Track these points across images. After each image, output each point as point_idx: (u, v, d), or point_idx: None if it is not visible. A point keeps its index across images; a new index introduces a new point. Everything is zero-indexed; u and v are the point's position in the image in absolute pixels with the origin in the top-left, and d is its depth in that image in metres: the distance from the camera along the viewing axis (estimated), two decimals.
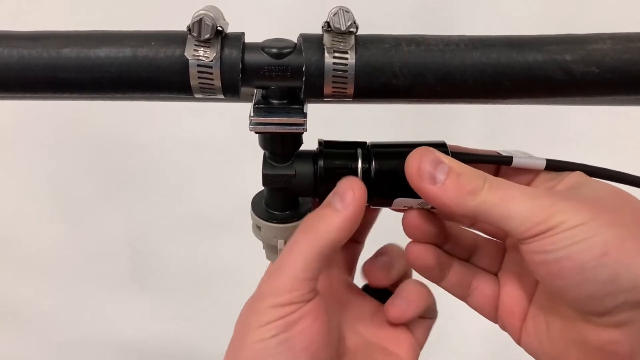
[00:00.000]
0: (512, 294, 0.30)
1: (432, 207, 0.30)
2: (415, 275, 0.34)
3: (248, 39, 0.26)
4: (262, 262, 0.34)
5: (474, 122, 0.68)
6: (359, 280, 0.36)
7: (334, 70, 0.25)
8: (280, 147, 0.29)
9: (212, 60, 0.25)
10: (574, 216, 0.24)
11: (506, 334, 0.31)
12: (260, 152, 0.30)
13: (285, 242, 0.31)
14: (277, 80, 0.26)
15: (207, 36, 0.24)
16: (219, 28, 0.25)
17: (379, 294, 0.35)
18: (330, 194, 0.28)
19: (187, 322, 0.84)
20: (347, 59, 0.25)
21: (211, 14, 0.24)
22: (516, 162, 0.29)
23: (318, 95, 0.27)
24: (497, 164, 0.30)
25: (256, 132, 0.28)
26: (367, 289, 0.35)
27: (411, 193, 0.28)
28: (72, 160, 0.76)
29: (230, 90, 0.26)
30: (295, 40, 0.27)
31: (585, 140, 0.67)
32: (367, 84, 0.26)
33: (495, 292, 0.31)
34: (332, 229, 0.27)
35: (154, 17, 0.60)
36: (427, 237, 0.30)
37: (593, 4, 0.62)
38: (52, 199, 0.79)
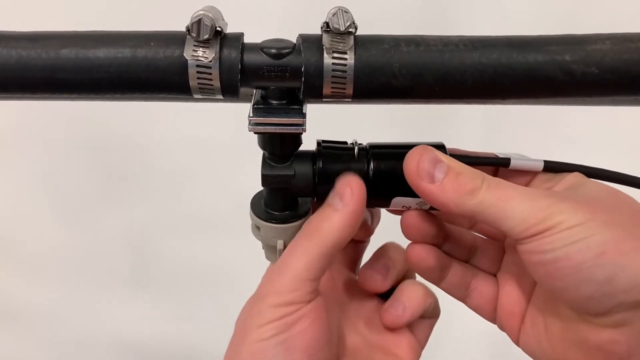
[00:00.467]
0: (510, 294, 0.30)
1: (431, 208, 0.30)
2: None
3: (247, 40, 0.26)
4: (261, 263, 0.34)
5: (473, 123, 0.68)
6: None
7: (333, 70, 0.25)
8: (279, 148, 0.29)
9: (211, 61, 0.25)
10: (572, 216, 0.24)
11: (504, 335, 0.31)
12: (259, 153, 0.30)
13: (284, 243, 0.31)
14: (276, 80, 0.26)
15: (206, 36, 0.24)
16: (218, 28, 0.25)
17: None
18: (330, 194, 0.28)
19: (187, 322, 0.84)
20: (346, 59, 0.25)
21: (210, 15, 0.24)
22: (514, 163, 0.29)
23: (317, 96, 0.27)
24: (495, 166, 0.30)
25: (255, 133, 0.28)
26: None
27: (409, 192, 0.28)
28: (72, 160, 0.76)
29: (230, 91, 0.26)
30: (294, 40, 0.27)
31: (584, 141, 0.67)
32: (366, 84, 0.26)
33: (494, 293, 0.31)
34: (333, 228, 0.27)
35: (153, 17, 0.60)
36: (425, 238, 0.30)
37: (593, 4, 0.62)
38: (52, 199, 0.79)
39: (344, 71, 0.25)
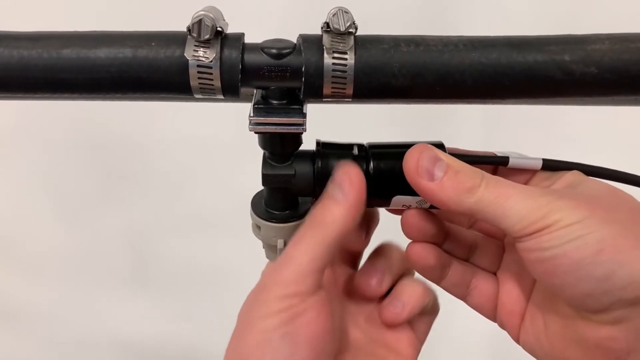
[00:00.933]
0: (510, 292, 0.31)
1: (431, 207, 0.30)
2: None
3: (248, 40, 0.27)
4: (261, 262, 0.34)
5: (473, 123, 0.68)
6: None
7: (333, 70, 0.25)
8: (279, 147, 0.29)
9: (211, 61, 0.25)
10: (570, 214, 0.24)
11: (505, 333, 0.31)
12: (259, 152, 0.30)
13: (285, 242, 0.31)
14: (276, 80, 0.26)
15: (206, 37, 0.25)
16: (219, 28, 0.25)
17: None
18: (330, 185, 0.28)
19: (187, 321, 0.84)
20: (346, 59, 0.25)
21: (211, 15, 0.24)
22: (513, 162, 0.29)
23: (317, 96, 0.27)
24: (494, 165, 0.30)
25: (256, 132, 0.28)
26: None
27: (409, 191, 0.28)
28: (72, 159, 0.76)
29: (230, 91, 0.26)
30: (294, 40, 0.27)
31: (584, 140, 0.68)
32: (366, 84, 0.26)
33: (494, 291, 0.31)
34: (336, 219, 0.27)
35: (154, 17, 0.60)
36: (425, 236, 0.30)
37: (593, 4, 0.62)
38: (52, 199, 0.80)
39: (344, 71, 0.26)
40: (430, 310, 0.34)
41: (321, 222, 0.27)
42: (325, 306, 0.27)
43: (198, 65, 0.25)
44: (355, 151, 0.30)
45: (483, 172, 0.27)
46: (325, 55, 0.25)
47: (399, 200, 0.29)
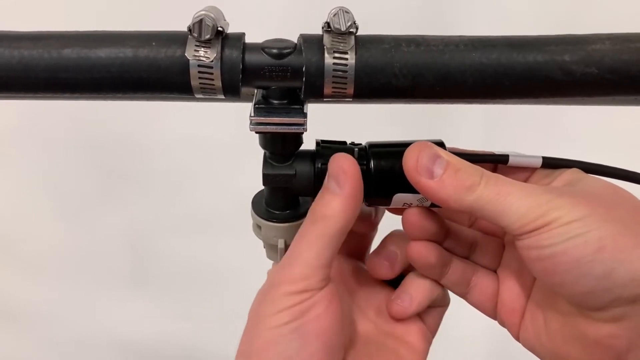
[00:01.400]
0: (511, 290, 0.31)
1: (432, 205, 0.30)
2: None
3: (248, 39, 0.27)
4: (261, 262, 0.34)
5: (473, 122, 0.68)
6: None
7: (334, 70, 0.26)
8: (280, 147, 0.29)
9: (212, 61, 0.25)
10: (570, 212, 0.24)
11: (505, 330, 0.31)
12: (259, 152, 0.30)
13: (285, 242, 0.31)
14: (277, 80, 0.26)
15: (207, 36, 0.25)
16: (220, 28, 0.25)
17: (392, 279, 0.34)
18: (326, 179, 0.28)
19: (187, 321, 0.84)
20: (347, 59, 0.25)
21: (212, 15, 0.24)
22: (512, 160, 0.29)
23: (318, 96, 0.27)
24: (493, 163, 0.30)
25: (256, 132, 0.28)
26: None
27: (410, 189, 0.28)
28: (72, 159, 0.76)
29: (231, 91, 0.26)
30: (295, 40, 0.27)
31: (584, 140, 0.68)
32: (366, 84, 0.26)
33: (494, 289, 0.31)
34: (336, 212, 0.27)
35: (154, 17, 0.60)
36: (427, 235, 0.30)
37: (593, 4, 0.62)
38: (52, 198, 0.80)
39: (345, 71, 0.26)
40: (440, 303, 0.34)
41: (322, 217, 0.27)
42: (334, 300, 0.27)
43: (199, 65, 0.25)
44: (355, 150, 0.30)
45: (483, 169, 0.27)
46: (326, 55, 0.25)
47: (399, 198, 0.29)
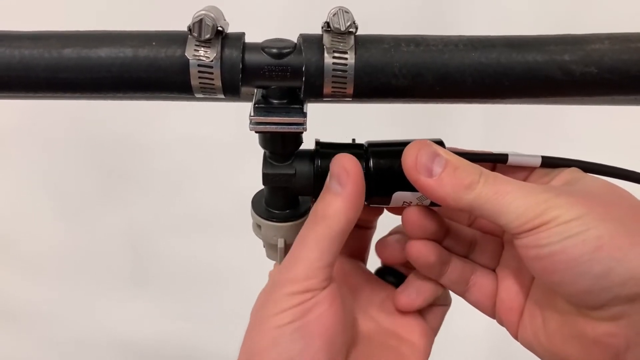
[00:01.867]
0: (509, 289, 0.31)
1: (431, 204, 0.30)
2: None
3: (248, 39, 0.27)
4: (261, 262, 0.34)
5: (473, 122, 0.68)
6: (371, 267, 0.36)
7: (334, 70, 0.26)
8: (280, 147, 0.29)
9: (212, 60, 0.25)
10: (568, 211, 0.24)
11: (503, 329, 0.31)
12: (259, 152, 0.30)
13: (285, 241, 0.31)
14: (277, 80, 0.27)
15: (207, 36, 0.25)
16: (220, 28, 0.25)
17: (393, 277, 0.35)
18: (328, 179, 0.28)
19: (187, 321, 0.84)
20: (346, 59, 0.25)
21: (212, 14, 0.24)
22: (512, 159, 0.29)
23: (318, 95, 0.27)
24: (492, 162, 0.30)
25: (256, 132, 0.28)
26: (380, 273, 0.36)
27: (409, 187, 0.28)
28: (72, 158, 0.76)
29: (231, 90, 0.26)
30: (295, 40, 0.27)
31: (584, 140, 0.68)
32: (366, 84, 0.26)
33: (493, 288, 0.32)
34: (338, 212, 0.27)
35: (154, 18, 0.60)
36: (426, 233, 0.30)
37: (593, 4, 0.62)
38: (52, 198, 0.80)
39: (345, 71, 0.26)
40: (443, 301, 0.34)
41: (324, 217, 0.27)
42: (335, 300, 0.27)
43: (199, 65, 0.25)
44: (355, 149, 0.30)
45: (482, 168, 0.27)
46: (326, 54, 0.25)
47: (399, 197, 0.29)
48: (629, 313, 0.24)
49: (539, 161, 0.29)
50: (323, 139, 0.31)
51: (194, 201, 0.78)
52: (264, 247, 0.33)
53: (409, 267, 0.33)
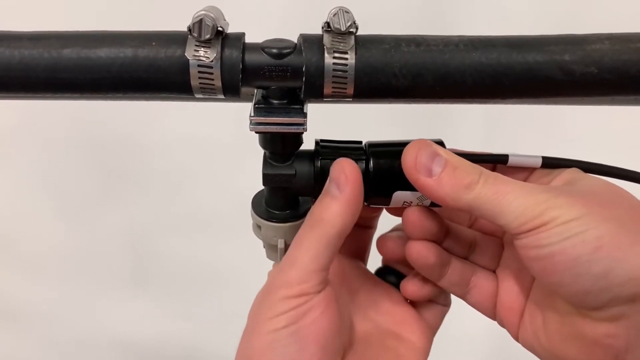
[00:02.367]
0: (510, 290, 0.31)
1: (431, 204, 0.30)
2: None
3: (248, 39, 0.27)
4: (261, 262, 0.34)
5: (473, 122, 0.68)
6: (371, 268, 0.36)
7: (334, 70, 0.26)
8: (280, 147, 0.29)
9: (212, 61, 0.25)
10: (568, 211, 0.24)
11: (504, 330, 0.31)
12: (259, 152, 0.30)
13: (285, 242, 0.31)
14: (277, 80, 0.26)
15: (207, 36, 0.25)
16: (220, 28, 0.25)
17: (394, 277, 0.35)
18: (327, 182, 0.28)
19: (187, 321, 0.84)
20: (347, 59, 0.25)
21: (211, 15, 0.24)
22: (512, 160, 0.29)
23: (318, 95, 0.27)
24: (493, 163, 0.30)
25: (256, 132, 0.28)
26: (380, 273, 0.36)
27: (409, 186, 0.28)
28: (72, 158, 0.76)
29: (231, 91, 0.26)
30: (295, 40, 0.27)
31: (584, 140, 0.68)
32: (366, 84, 0.26)
33: (493, 289, 0.31)
34: (334, 216, 0.27)
35: (154, 17, 0.60)
36: (426, 234, 0.30)
37: (593, 4, 0.62)
38: (52, 198, 0.80)
39: (345, 71, 0.26)
40: (443, 301, 0.34)
41: (320, 220, 0.27)
42: (331, 303, 0.27)
43: (199, 65, 0.25)
44: (355, 149, 0.30)
45: (482, 168, 0.27)
46: (326, 55, 0.25)
47: (399, 196, 0.29)
48: (628, 314, 0.24)
49: (539, 162, 0.29)
50: (323, 139, 0.31)
51: (194, 201, 0.78)
52: (264, 247, 0.33)
53: (409, 266, 0.33)
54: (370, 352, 0.31)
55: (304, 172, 0.30)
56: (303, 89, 0.26)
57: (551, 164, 0.29)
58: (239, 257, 0.70)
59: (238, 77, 0.26)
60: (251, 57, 0.26)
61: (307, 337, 0.26)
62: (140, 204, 0.79)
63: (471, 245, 0.33)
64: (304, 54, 0.26)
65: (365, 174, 0.29)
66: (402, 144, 0.28)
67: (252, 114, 0.27)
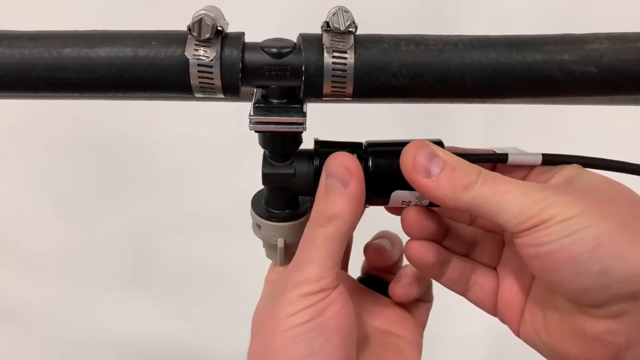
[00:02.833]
0: (510, 287, 0.31)
1: (430, 204, 0.30)
2: None
3: (248, 39, 0.27)
4: (261, 262, 0.34)
5: (473, 122, 0.68)
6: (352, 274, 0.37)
7: (333, 69, 0.26)
8: (280, 146, 0.29)
9: (212, 60, 0.25)
10: (567, 209, 0.24)
11: (505, 326, 0.32)
12: (259, 152, 0.30)
13: (285, 241, 0.31)
14: (276, 79, 0.27)
15: (207, 36, 0.25)
16: (219, 28, 0.25)
17: (376, 284, 0.36)
18: (324, 178, 0.28)
19: (187, 321, 0.84)
20: (346, 58, 0.25)
21: (211, 14, 0.24)
22: (512, 159, 0.29)
23: (317, 95, 0.27)
24: (493, 162, 0.30)
25: (256, 131, 0.28)
26: (363, 281, 0.37)
27: (408, 186, 0.28)
28: (72, 159, 0.76)
29: (231, 90, 0.26)
30: (294, 40, 0.27)
31: (583, 140, 0.68)
32: (366, 83, 0.26)
33: (494, 286, 0.32)
34: (344, 212, 0.27)
35: (154, 17, 0.60)
36: (426, 234, 0.30)
37: (593, 4, 0.62)
38: (52, 198, 0.80)
39: (344, 70, 0.26)
40: (427, 298, 0.36)
41: (331, 217, 0.27)
42: (347, 297, 0.28)
43: (198, 65, 0.25)
44: (354, 149, 0.30)
45: (480, 168, 0.27)
46: (325, 54, 0.25)
47: (398, 196, 0.29)
48: (629, 311, 0.24)
49: (539, 160, 0.29)
50: (322, 138, 0.31)
51: (194, 201, 0.78)
52: (264, 247, 0.33)
53: (391, 272, 0.35)
54: (376, 349, 0.32)
55: (304, 172, 0.30)
56: (302, 88, 0.26)
57: (551, 160, 0.29)
58: (239, 257, 0.70)
59: (238, 77, 0.26)
60: (251, 57, 0.26)
61: (330, 329, 0.26)
62: (140, 204, 0.79)
63: (471, 243, 0.33)
64: (303, 53, 0.26)
65: (365, 173, 0.29)
66: (402, 144, 0.28)
67: (252, 113, 0.27)
